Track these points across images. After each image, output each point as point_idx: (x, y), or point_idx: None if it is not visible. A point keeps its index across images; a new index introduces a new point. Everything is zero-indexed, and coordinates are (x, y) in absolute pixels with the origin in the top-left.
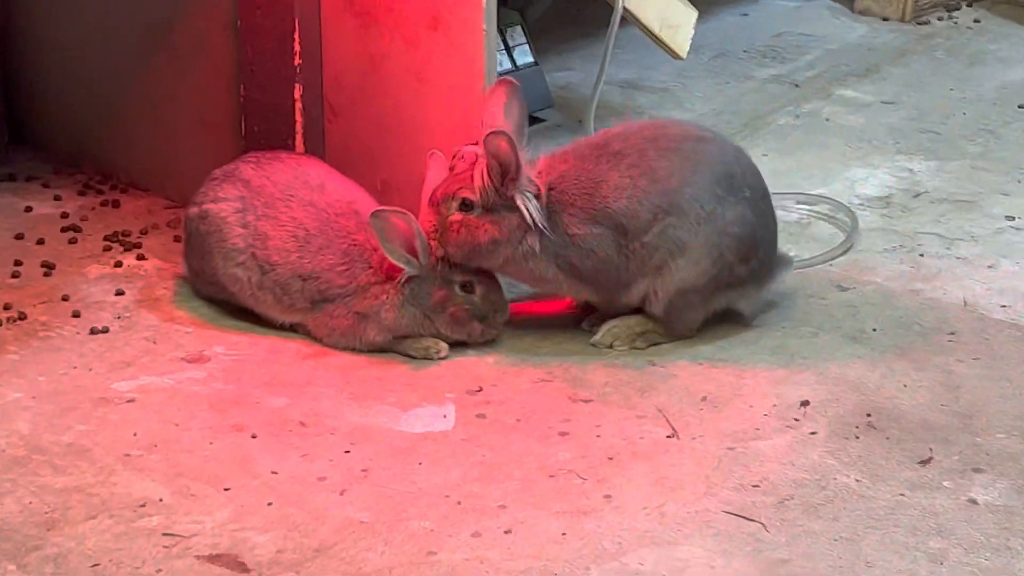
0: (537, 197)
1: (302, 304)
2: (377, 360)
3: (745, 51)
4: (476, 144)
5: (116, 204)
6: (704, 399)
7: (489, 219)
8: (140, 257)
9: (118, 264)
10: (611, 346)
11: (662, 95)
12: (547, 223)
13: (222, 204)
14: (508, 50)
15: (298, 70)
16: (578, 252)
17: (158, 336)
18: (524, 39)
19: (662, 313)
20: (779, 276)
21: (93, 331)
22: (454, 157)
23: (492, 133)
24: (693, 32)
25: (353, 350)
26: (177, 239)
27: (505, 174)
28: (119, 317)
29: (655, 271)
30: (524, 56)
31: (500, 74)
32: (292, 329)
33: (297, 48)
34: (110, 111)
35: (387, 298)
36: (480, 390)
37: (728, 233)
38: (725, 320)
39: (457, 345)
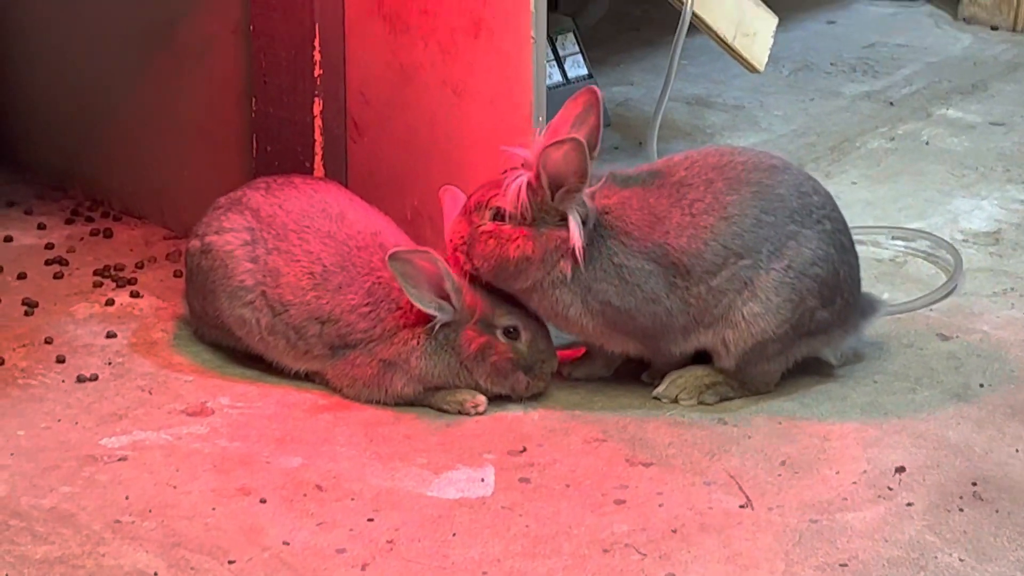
0: (584, 222)
1: (319, 350)
2: (405, 415)
3: (832, 64)
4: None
5: (108, 234)
6: (783, 463)
7: (524, 233)
8: (134, 295)
9: (109, 302)
10: (676, 400)
11: (735, 114)
12: (587, 251)
13: (228, 236)
14: (559, 60)
15: (318, 82)
16: (620, 287)
17: (154, 385)
18: (577, 48)
19: (734, 367)
20: (869, 319)
21: (80, 379)
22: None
23: (559, 141)
24: (772, 42)
25: (378, 403)
26: (177, 274)
27: (562, 185)
28: (110, 363)
29: (722, 320)
30: (577, 68)
31: (551, 87)
32: (308, 378)
33: (317, 57)
34: (102, 127)
35: (417, 344)
36: (524, 451)
37: (808, 274)
38: (808, 371)
39: (497, 399)
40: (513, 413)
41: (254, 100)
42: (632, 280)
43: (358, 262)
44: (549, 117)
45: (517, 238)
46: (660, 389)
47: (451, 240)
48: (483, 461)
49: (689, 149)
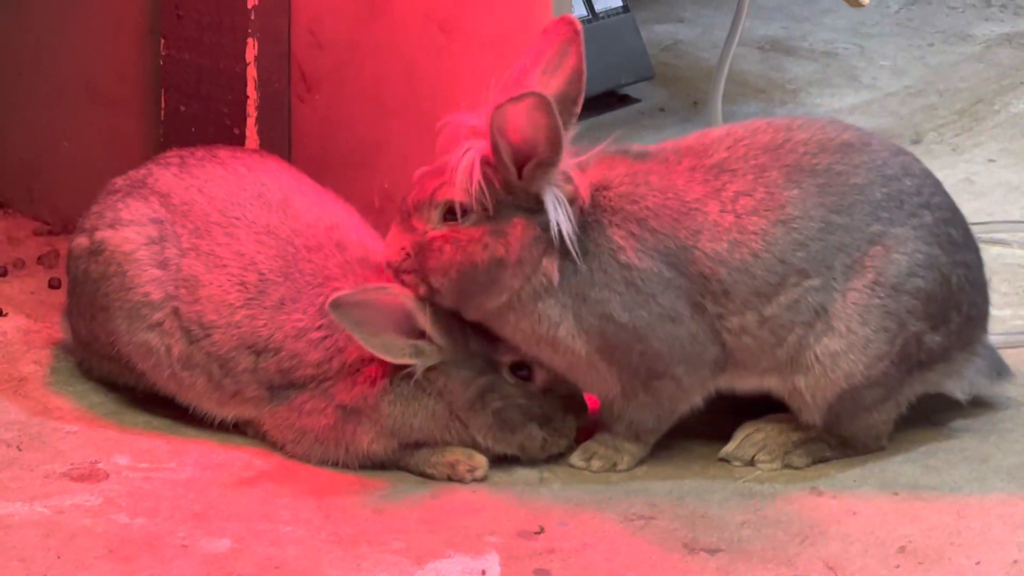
0: (572, 202)
1: (253, 391)
2: (373, 481)
3: None
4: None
5: None
6: (902, 550)
7: (491, 227)
8: None
9: None
10: (752, 462)
11: (826, 63)
12: (579, 241)
13: (127, 231)
14: None
15: (252, 16)
16: (628, 296)
17: (25, 439)
18: None
19: (822, 422)
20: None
21: None
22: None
23: (511, 100)
24: None
25: (336, 464)
26: (54, 284)
27: (530, 156)
28: None
29: (790, 364)
30: None
31: None
32: (238, 430)
33: None
34: None
35: (389, 384)
36: (540, 532)
37: (906, 289)
38: (932, 420)
39: (502, 460)
40: (525, 480)
41: (162, 42)
42: (645, 288)
43: (307, 269)
44: None
45: (481, 237)
46: (730, 448)
47: (390, 261)
48: (484, 546)
49: (760, 114)
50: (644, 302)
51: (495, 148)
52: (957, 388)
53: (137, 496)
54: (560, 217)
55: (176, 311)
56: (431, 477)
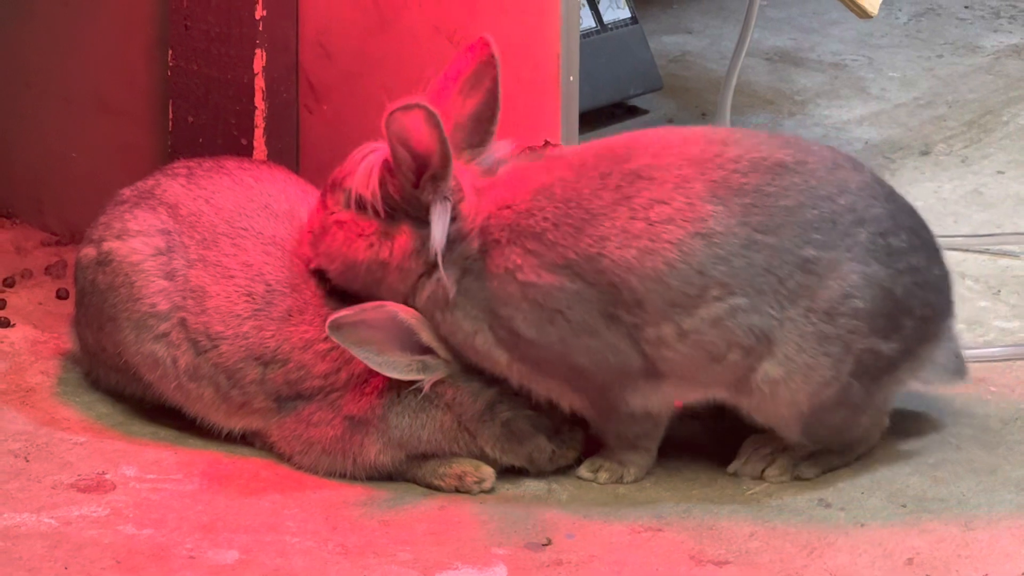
0: (462, 219)
1: (261, 403)
2: (381, 492)
3: (967, 7)
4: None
5: None
6: (909, 562)
7: (382, 228)
8: (2, 323)
9: None
10: (762, 476)
11: (834, 75)
12: (464, 258)
13: (134, 242)
14: None
15: (260, 27)
16: (533, 314)
17: (32, 449)
18: None
19: (807, 440)
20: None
21: None
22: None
23: (401, 108)
24: None
25: (343, 476)
26: (62, 295)
27: (424, 168)
28: None
29: (736, 385)
30: (616, 9)
31: (583, 35)
32: (245, 441)
33: None
34: None
35: (397, 396)
36: (548, 544)
37: (844, 312)
38: (941, 430)
39: (509, 472)
40: (533, 492)
41: (170, 53)
42: (549, 304)
43: (314, 280)
44: (582, 72)
45: (370, 234)
46: (738, 463)
47: (307, 227)
48: (492, 558)
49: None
50: (551, 319)
51: (393, 154)
52: (932, 376)
53: (144, 507)
54: (437, 233)
55: (183, 322)
56: (438, 489)
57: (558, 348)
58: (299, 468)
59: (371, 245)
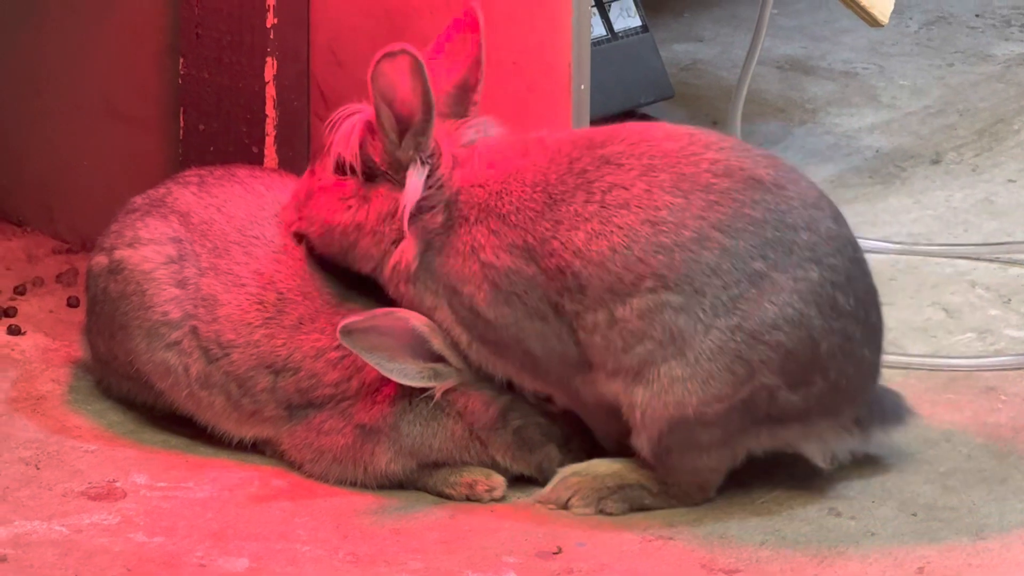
0: (430, 182)
1: (272, 411)
2: (391, 501)
3: (978, 15)
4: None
5: None
6: (920, 571)
7: (362, 191)
8: (14, 331)
9: None
10: (566, 506)
11: (845, 83)
12: (428, 231)
13: (146, 250)
14: (601, 7)
15: (271, 34)
16: (491, 294)
17: (43, 457)
18: None
19: (650, 452)
20: (886, 427)
21: None
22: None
23: (387, 55)
24: None
25: (353, 484)
26: (72, 303)
27: (407, 127)
28: None
29: (634, 373)
30: (627, 17)
31: (594, 43)
32: (256, 449)
33: (271, 1)
34: None
35: (409, 404)
36: (558, 552)
37: (765, 340)
38: (950, 439)
39: (519, 480)
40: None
41: (181, 61)
42: (506, 287)
43: (328, 287)
44: (593, 80)
45: (349, 197)
46: (545, 491)
47: (294, 193)
48: (502, 566)
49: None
50: (507, 299)
51: (376, 111)
52: (817, 454)
53: (155, 515)
54: (409, 189)
55: (195, 330)
56: (449, 497)
57: (513, 331)
58: (310, 476)
59: (349, 207)
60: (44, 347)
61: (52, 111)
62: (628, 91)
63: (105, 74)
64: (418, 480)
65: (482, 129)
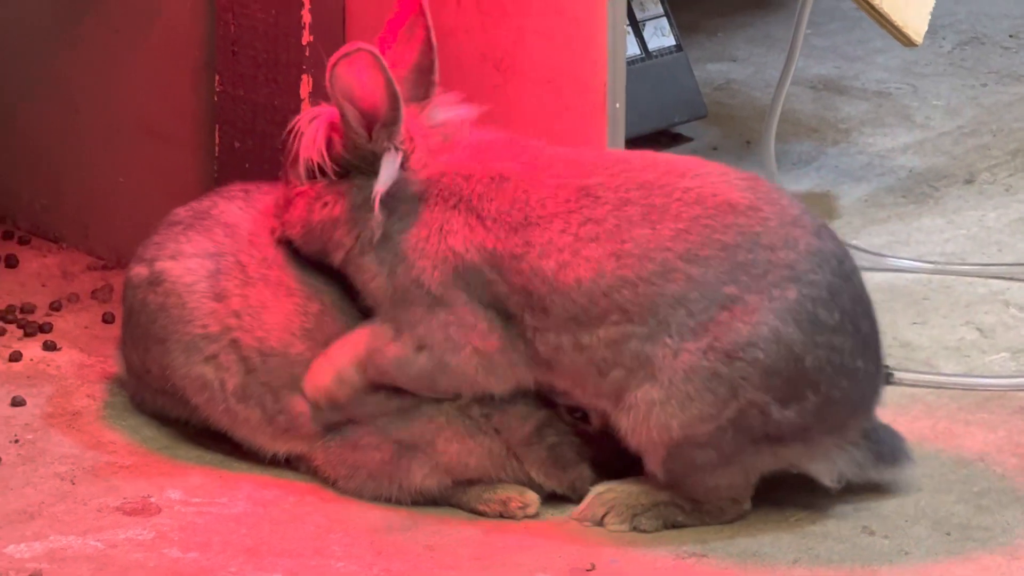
0: (403, 168)
1: (307, 427)
2: (425, 517)
3: (1012, 36)
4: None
5: (12, 262)
6: None
7: (337, 188)
8: (49, 346)
9: (15, 357)
10: (601, 522)
11: (879, 103)
12: (399, 200)
13: (188, 262)
14: (635, 26)
15: (307, 52)
16: (444, 274)
17: (78, 472)
18: (661, 10)
19: (663, 477)
20: (892, 459)
21: None
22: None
23: (343, 56)
24: (934, 3)
25: (388, 501)
26: (108, 319)
27: (374, 120)
28: (17, 441)
29: (615, 399)
30: (660, 36)
31: (628, 62)
32: (289, 465)
33: (306, 18)
34: (2, 118)
35: (446, 421)
36: (592, 569)
37: (743, 358)
38: (985, 458)
39: (552, 497)
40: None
41: (218, 78)
42: (465, 277)
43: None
44: (627, 99)
45: (324, 195)
46: (579, 508)
47: (273, 203)
48: None
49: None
50: (464, 286)
51: (341, 112)
52: (824, 473)
53: (189, 530)
54: (383, 177)
55: (235, 342)
56: (483, 514)
57: (447, 300)
58: (344, 492)
59: (325, 204)
60: (79, 363)
61: (88, 129)
62: (662, 110)
63: (141, 92)
64: (452, 496)
65: (447, 108)
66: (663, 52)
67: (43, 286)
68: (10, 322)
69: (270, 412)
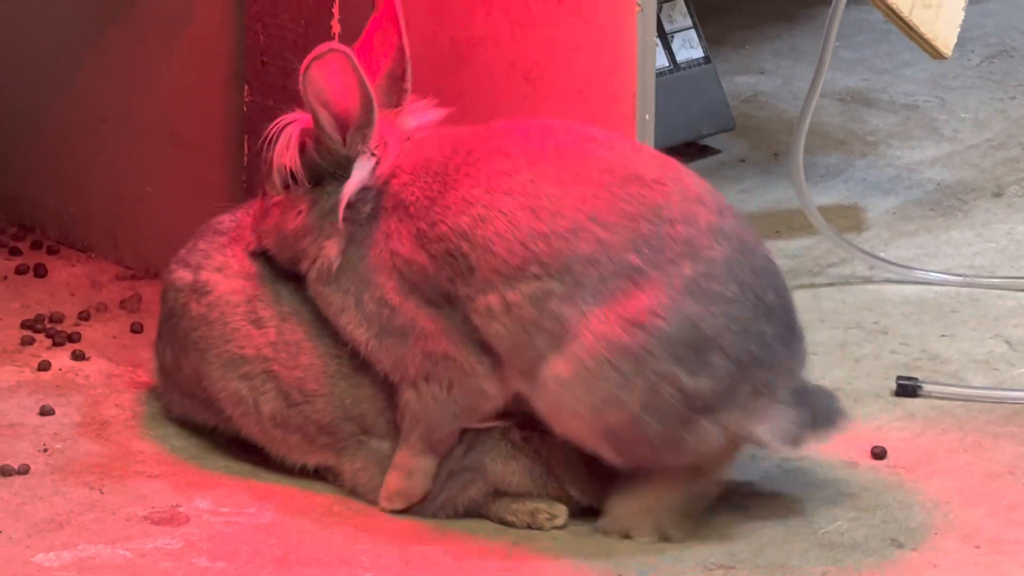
0: (373, 175)
1: (342, 443)
2: (453, 528)
3: None
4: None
5: (40, 272)
6: None
7: (310, 196)
8: (78, 356)
9: (44, 366)
10: (628, 536)
11: (907, 115)
12: (354, 223)
13: (235, 283)
14: (664, 38)
15: None
16: (399, 283)
17: (107, 482)
18: (690, 22)
19: (622, 461)
20: (823, 421)
21: (5, 472)
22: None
23: (315, 58)
24: (963, 16)
25: (419, 513)
26: (136, 329)
27: (348, 123)
28: (46, 450)
29: (531, 375)
30: (689, 48)
31: (657, 74)
32: (318, 476)
33: (336, 28)
34: (33, 128)
35: (489, 439)
36: None
37: (643, 327)
38: (1014, 471)
39: (582, 509)
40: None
41: (247, 88)
42: (410, 276)
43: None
44: (656, 111)
45: (300, 203)
46: (604, 519)
47: (252, 217)
48: None
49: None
50: (413, 290)
51: (314, 116)
52: (769, 434)
53: (218, 540)
54: (349, 184)
55: (272, 374)
56: (511, 524)
57: (412, 314)
58: (371, 503)
59: (299, 213)
60: (108, 372)
61: (117, 139)
62: (690, 122)
63: (170, 102)
64: (481, 507)
65: (420, 115)
66: (691, 64)
67: (72, 296)
68: (39, 332)
69: (311, 436)
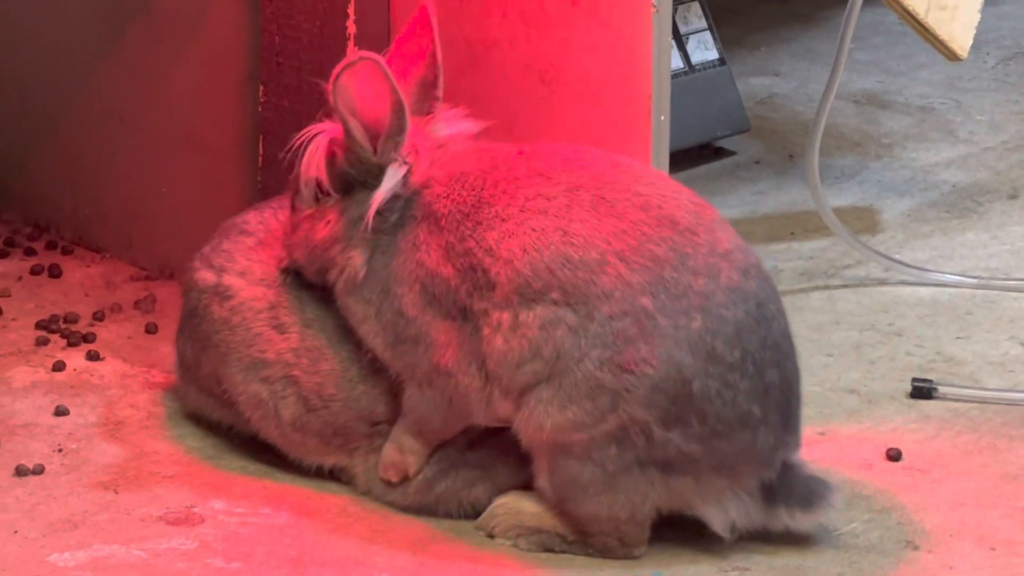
0: (404, 183)
1: (357, 443)
2: (467, 528)
3: None
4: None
5: (55, 272)
6: None
7: (340, 206)
8: (93, 356)
9: (58, 366)
10: (491, 535)
11: (922, 118)
12: (379, 232)
13: (258, 289)
14: (679, 40)
15: None
16: (421, 295)
17: (122, 482)
18: (704, 24)
19: (550, 490)
20: (805, 507)
21: (20, 472)
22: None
23: (346, 66)
24: (979, 18)
25: (433, 513)
26: (151, 329)
27: (379, 132)
28: (60, 450)
29: (519, 396)
30: (704, 50)
31: (672, 76)
32: (332, 476)
33: (351, 29)
34: (48, 128)
35: (497, 441)
36: None
37: (629, 370)
38: None
39: None
40: None
41: (262, 89)
42: (430, 288)
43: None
44: (673, 112)
45: (329, 213)
46: (479, 519)
47: (283, 232)
48: None
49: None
50: (431, 302)
51: (344, 125)
52: (715, 518)
53: (233, 541)
54: (380, 191)
55: (293, 379)
56: None
57: (425, 328)
58: (388, 504)
59: (328, 224)
60: (122, 373)
61: (132, 139)
62: (705, 124)
63: (185, 102)
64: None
65: (452, 123)
66: (706, 66)
67: (86, 296)
68: (53, 332)
69: (328, 438)
